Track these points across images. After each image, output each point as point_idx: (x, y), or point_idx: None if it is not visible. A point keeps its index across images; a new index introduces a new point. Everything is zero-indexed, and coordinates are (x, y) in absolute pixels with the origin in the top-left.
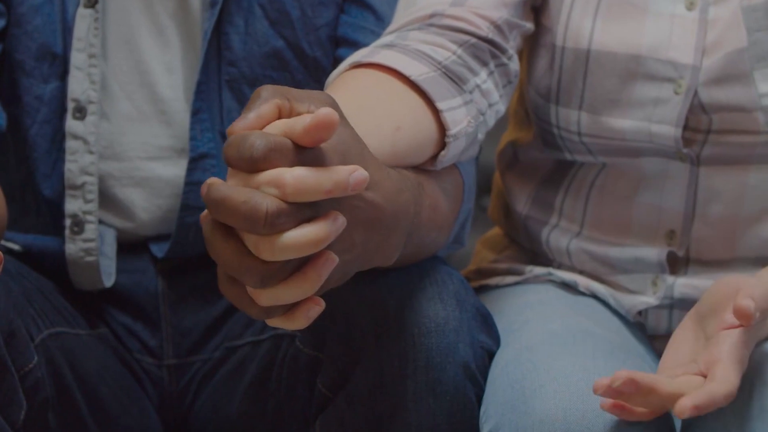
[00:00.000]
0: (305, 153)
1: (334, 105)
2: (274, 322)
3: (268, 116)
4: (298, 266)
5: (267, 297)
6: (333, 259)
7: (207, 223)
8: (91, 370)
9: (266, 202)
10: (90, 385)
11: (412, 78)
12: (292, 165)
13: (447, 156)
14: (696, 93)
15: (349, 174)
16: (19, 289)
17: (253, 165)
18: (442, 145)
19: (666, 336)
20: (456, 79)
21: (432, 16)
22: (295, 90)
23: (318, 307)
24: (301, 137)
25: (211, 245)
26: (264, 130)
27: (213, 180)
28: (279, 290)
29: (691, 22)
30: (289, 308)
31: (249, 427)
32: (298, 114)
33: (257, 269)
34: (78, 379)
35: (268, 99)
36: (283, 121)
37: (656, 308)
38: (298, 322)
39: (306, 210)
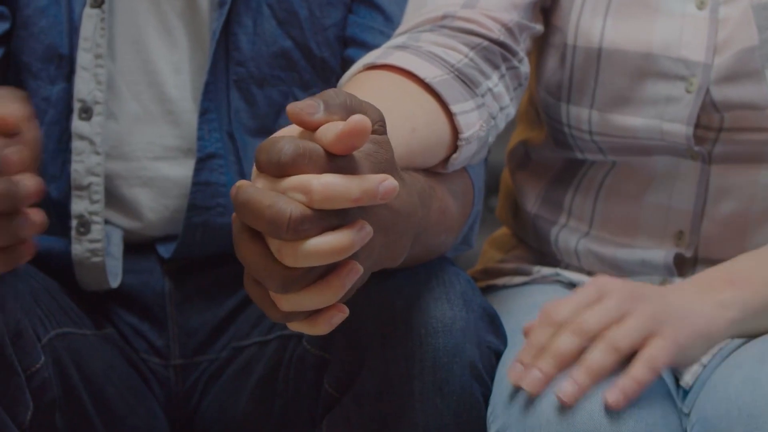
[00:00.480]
0: (336, 160)
1: (384, 122)
2: (295, 326)
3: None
4: (323, 274)
5: (288, 302)
6: (357, 270)
7: (236, 225)
8: (97, 370)
9: (290, 207)
10: (96, 386)
11: (427, 80)
12: (321, 171)
13: (458, 159)
14: (708, 91)
15: (378, 183)
16: (26, 289)
17: (281, 170)
18: (454, 148)
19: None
20: (468, 83)
21: (444, 17)
22: (364, 103)
23: (341, 314)
24: (332, 144)
25: (238, 246)
26: (295, 131)
27: (242, 182)
28: (301, 296)
29: (701, 20)
30: (311, 314)
31: (256, 427)
32: None
33: (280, 274)
34: (84, 380)
35: (342, 110)
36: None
37: None
38: (320, 328)
39: (332, 217)
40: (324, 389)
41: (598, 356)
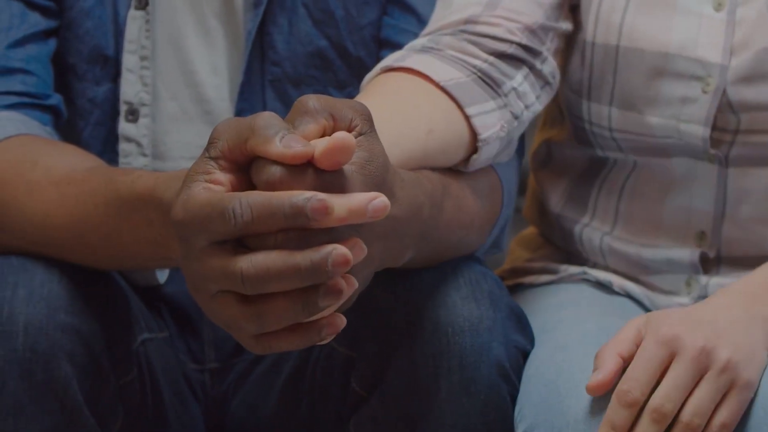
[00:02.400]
0: (324, 176)
1: (370, 117)
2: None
3: (312, 137)
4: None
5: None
6: (352, 284)
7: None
8: (159, 376)
9: (277, 231)
10: (158, 392)
11: (441, 83)
12: (309, 189)
13: (479, 159)
14: (724, 92)
15: (367, 202)
16: (120, 296)
17: (271, 188)
18: (475, 147)
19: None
20: (491, 83)
21: (466, 22)
22: (338, 102)
23: (340, 323)
24: (317, 161)
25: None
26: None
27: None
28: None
29: (718, 22)
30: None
31: (283, 426)
32: (339, 130)
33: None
34: (152, 386)
35: (315, 117)
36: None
37: None
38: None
39: (321, 234)
40: (351, 388)
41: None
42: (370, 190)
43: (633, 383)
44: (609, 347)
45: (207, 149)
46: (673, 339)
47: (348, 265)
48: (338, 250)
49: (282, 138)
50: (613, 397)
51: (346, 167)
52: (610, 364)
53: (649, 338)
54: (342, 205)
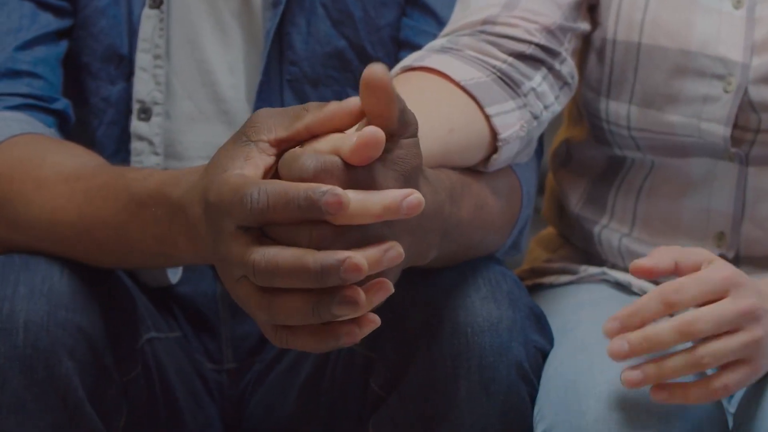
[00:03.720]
0: (357, 171)
1: (417, 123)
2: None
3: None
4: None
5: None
6: (387, 288)
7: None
8: (171, 375)
9: (310, 225)
10: (170, 391)
11: (462, 83)
12: (342, 185)
13: (499, 159)
14: (746, 91)
15: (402, 199)
16: (124, 294)
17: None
18: (494, 148)
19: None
20: (510, 83)
21: (484, 22)
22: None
23: (373, 324)
24: (348, 157)
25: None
26: (316, 144)
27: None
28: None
29: (738, 19)
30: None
31: (302, 427)
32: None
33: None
34: (163, 385)
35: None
36: (336, 135)
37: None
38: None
39: (354, 232)
40: (370, 389)
41: (680, 365)
42: (401, 187)
43: (683, 290)
44: (670, 250)
45: (246, 133)
46: (735, 282)
47: (361, 274)
48: (352, 258)
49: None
50: (656, 289)
51: (377, 163)
52: (664, 260)
53: (715, 269)
54: (377, 201)
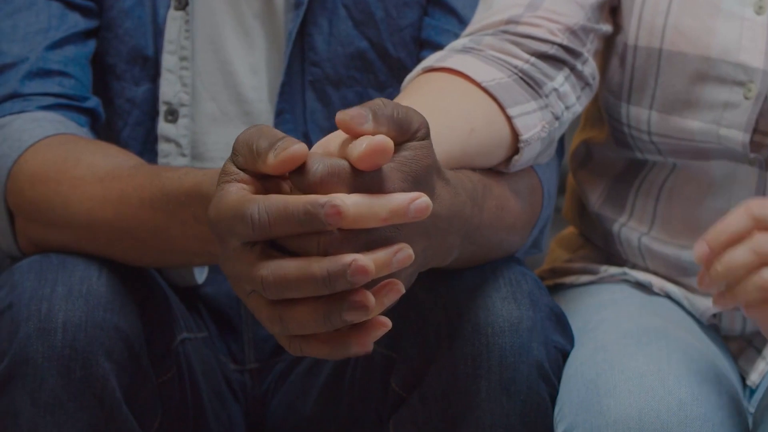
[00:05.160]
0: (363, 176)
1: (428, 125)
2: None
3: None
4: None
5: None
6: (397, 289)
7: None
8: (198, 376)
9: (318, 232)
10: (197, 393)
11: (483, 84)
12: (349, 189)
13: (521, 160)
14: (766, 98)
15: (408, 202)
16: (160, 295)
17: (311, 189)
18: (516, 148)
19: (740, 337)
20: (532, 84)
21: (507, 22)
22: (410, 111)
23: (383, 328)
24: (356, 163)
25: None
26: (327, 144)
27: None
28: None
29: (760, 26)
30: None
31: (323, 426)
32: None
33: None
34: (192, 385)
35: (390, 122)
36: (346, 140)
37: (730, 310)
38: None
39: (362, 235)
40: (391, 388)
41: (749, 289)
42: (410, 189)
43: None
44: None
45: (231, 158)
46: None
47: (368, 276)
48: (358, 261)
49: (275, 149)
50: (747, 205)
51: (385, 166)
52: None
53: None
54: (383, 205)
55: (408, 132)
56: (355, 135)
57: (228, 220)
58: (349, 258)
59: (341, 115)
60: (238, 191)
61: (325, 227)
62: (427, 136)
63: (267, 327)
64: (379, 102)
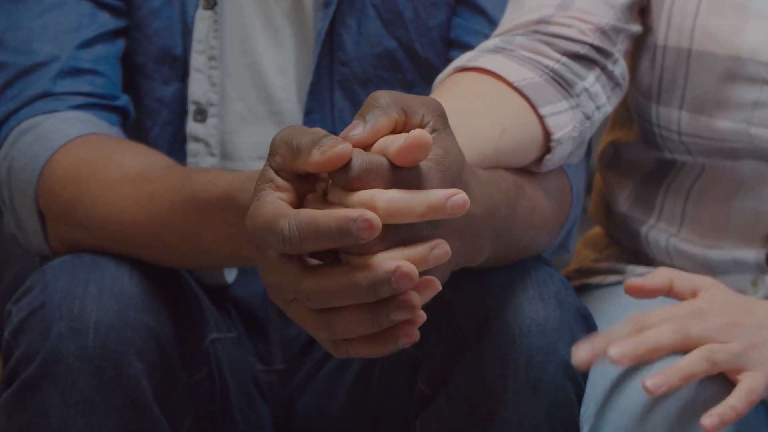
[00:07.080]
0: (402, 172)
1: (444, 115)
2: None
3: (383, 131)
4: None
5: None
6: (434, 287)
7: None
8: (227, 376)
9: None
10: (226, 394)
11: (515, 84)
12: (387, 185)
13: (552, 160)
14: None
15: (446, 198)
16: (192, 294)
17: (349, 184)
18: (547, 148)
19: None
20: (564, 84)
21: (538, 22)
22: (410, 98)
23: (421, 319)
24: (394, 158)
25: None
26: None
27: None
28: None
29: None
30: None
31: (350, 426)
32: (412, 127)
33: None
34: (222, 385)
35: (386, 111)
36: (383, 138)
37: None
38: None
39: (400, 231)
40: (418, 388)
41: (694, 361)
42: (448, 187)
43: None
44: (671, 272)
45: (268, 159)
46: (711, 300)
47: (412, 281)
48: (402, 268)
49: (321, 146)
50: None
51: (423, 164)
52: (659, 280)
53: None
54: (421, 201)
55: (414, 116)
56: (357, 146)
57: (262, 233)
58: (392, 265)
59: (342, 135)
60: (273, 202)
61: (357, 242)
62: (445, 124)
63: (312, 333)
64: (377, 95)
